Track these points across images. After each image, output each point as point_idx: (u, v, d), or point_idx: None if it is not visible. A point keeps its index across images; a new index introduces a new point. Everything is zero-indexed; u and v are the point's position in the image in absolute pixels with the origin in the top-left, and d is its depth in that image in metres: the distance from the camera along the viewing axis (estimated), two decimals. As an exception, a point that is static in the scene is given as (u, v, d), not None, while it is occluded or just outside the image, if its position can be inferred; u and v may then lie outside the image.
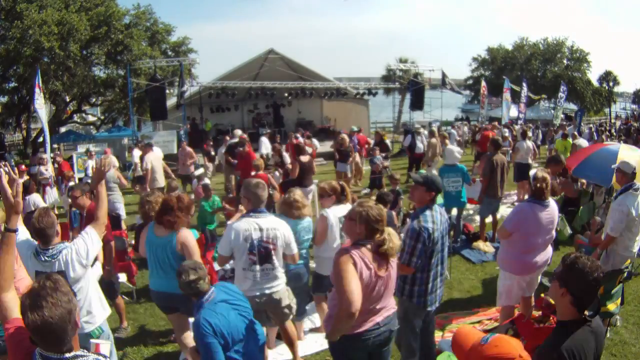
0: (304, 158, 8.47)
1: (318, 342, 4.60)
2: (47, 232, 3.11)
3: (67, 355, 1.74)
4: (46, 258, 3.08)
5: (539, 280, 4.51)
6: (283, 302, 3.81)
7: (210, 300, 2.82)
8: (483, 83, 25.22)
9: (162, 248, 3.84)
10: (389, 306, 3.01)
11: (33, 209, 6.51)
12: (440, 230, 3.46)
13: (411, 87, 21.02)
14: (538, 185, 4.14)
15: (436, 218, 3.45)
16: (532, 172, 4.42)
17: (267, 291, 3.69)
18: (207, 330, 2.66)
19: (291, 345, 4.10)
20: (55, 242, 3.15)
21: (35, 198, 7.21)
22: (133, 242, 6.50)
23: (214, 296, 2.85)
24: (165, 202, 3.91)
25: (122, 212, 8.25)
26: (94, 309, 3.29)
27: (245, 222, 3.62)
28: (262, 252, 3.61)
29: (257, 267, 3.63)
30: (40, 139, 13.78)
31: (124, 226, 7.44)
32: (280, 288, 3.79)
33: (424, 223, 3.35)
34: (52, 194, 10.23)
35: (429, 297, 3.49)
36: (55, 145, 17.19)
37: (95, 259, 3.88)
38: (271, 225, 3.65)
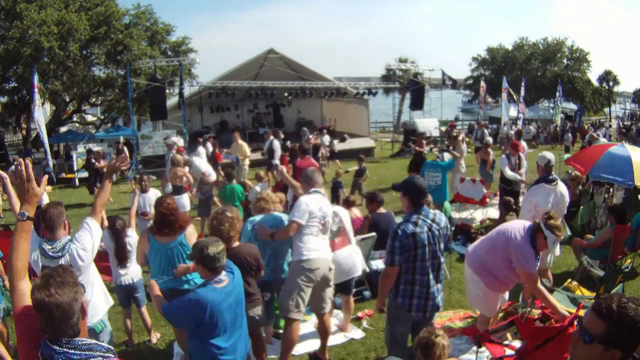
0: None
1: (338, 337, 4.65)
2: (55, 221, 3.11)
3: (76, 339, 1.71)
4: (53, 254, 3.05)
5: None
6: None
7: (214, 286, 2.77)
8: (482, 83, 25.22)
9: (172, 251, 3.87)
10: None
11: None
12: (427, 233, 3.30)
13: (411, 86, 21.01)
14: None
15: (422, 222, 3.31)
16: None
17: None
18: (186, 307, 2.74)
19: (324, 336, 4.23)
20: (61, 235, 3.14)
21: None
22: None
23: (222, 285, 2.79)
24: (162, 215, 3.88)
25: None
26: (97, 301, 3.28)
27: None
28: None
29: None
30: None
31: None
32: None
33: (404, 225, 3.29)
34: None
35: (414, 300, 3.36)
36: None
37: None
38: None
